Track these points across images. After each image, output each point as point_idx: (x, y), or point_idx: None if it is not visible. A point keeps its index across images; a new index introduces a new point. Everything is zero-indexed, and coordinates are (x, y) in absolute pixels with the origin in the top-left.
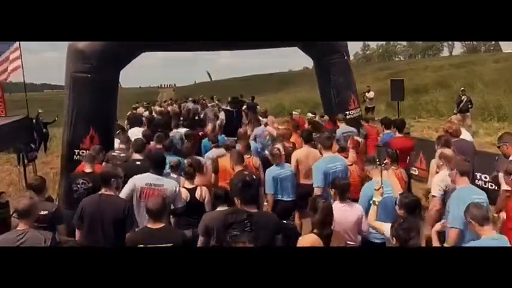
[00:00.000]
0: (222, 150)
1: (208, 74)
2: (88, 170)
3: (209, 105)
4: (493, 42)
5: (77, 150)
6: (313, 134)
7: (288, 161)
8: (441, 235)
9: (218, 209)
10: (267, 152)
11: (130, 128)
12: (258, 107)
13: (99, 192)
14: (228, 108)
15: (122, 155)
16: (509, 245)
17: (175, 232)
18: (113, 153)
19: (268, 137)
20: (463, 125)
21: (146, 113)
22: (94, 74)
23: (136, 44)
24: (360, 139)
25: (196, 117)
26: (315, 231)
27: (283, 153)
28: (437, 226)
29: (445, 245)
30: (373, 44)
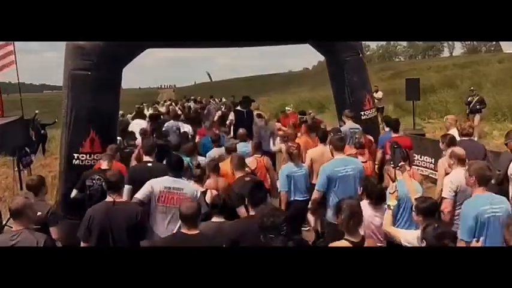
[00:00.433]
0: (223, 150)
1: (209, 74)
2: (104, 167)
3: (212, 101)
4: (494, 42)
5: (76, 154)
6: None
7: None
8: None
9: (214, 219)
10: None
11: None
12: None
13: (108, 200)
14: (239, 108)
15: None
16: None
17: (213, 241)
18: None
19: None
20: (465, 126)
21: (151, 111)
22: (95, 71)
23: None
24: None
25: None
26: (345, 237)
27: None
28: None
29: None
30: (373, 45)
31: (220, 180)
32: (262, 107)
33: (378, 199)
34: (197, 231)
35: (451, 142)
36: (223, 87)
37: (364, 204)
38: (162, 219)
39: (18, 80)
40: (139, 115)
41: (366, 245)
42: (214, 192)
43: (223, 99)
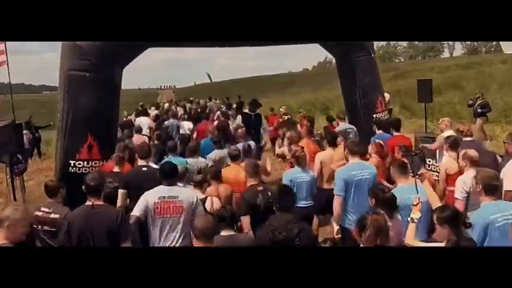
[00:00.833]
0: (224, 152)
1: (209, 75)
2: (116, 170)
3: (213, 101)
4: (494, 43)
5: (72, 162)
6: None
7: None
8: None
9: (222, 233)
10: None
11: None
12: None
13: (88, 203)
14: (246, 111)
15: None
16: None
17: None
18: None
19: None
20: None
21: (156, 111)
22: (93, 72)
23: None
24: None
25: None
26: None
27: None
28: None
29: None
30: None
31: (221, 188)
32: (262, 107)
33: (391, 207)
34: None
35: (454, 144)
36: (223, 88)
37: None
38: (160, 231)
39: (9, 80)
40: (143, 113)
41: None
42: (216, 199)
43: (217, 101)
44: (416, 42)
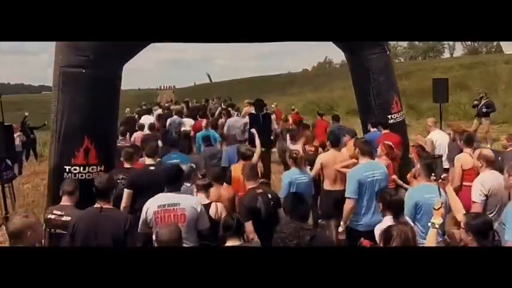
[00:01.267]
0: (214, 149)
1: (208, 75)
2: (127, 165)
3: (212, 102)
4: (495, 43)
5: (67, 167)
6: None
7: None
8: None
9: (229, 243)
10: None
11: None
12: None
13: (96, 206)
14: (253, 112)
15: None
16: None
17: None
18: None
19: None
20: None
21: (159, 111)
22: (90, 68)
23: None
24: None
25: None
26: None
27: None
28: None
29: None
30: None
31: (223, 190)
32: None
33: (398, 210)
34: None
35: (469, 140)
36: (223, 88)
37: (389, 219)
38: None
39: None
40: (147, 112)
41: None
42: (220, 205)
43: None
44: (417, 42)
